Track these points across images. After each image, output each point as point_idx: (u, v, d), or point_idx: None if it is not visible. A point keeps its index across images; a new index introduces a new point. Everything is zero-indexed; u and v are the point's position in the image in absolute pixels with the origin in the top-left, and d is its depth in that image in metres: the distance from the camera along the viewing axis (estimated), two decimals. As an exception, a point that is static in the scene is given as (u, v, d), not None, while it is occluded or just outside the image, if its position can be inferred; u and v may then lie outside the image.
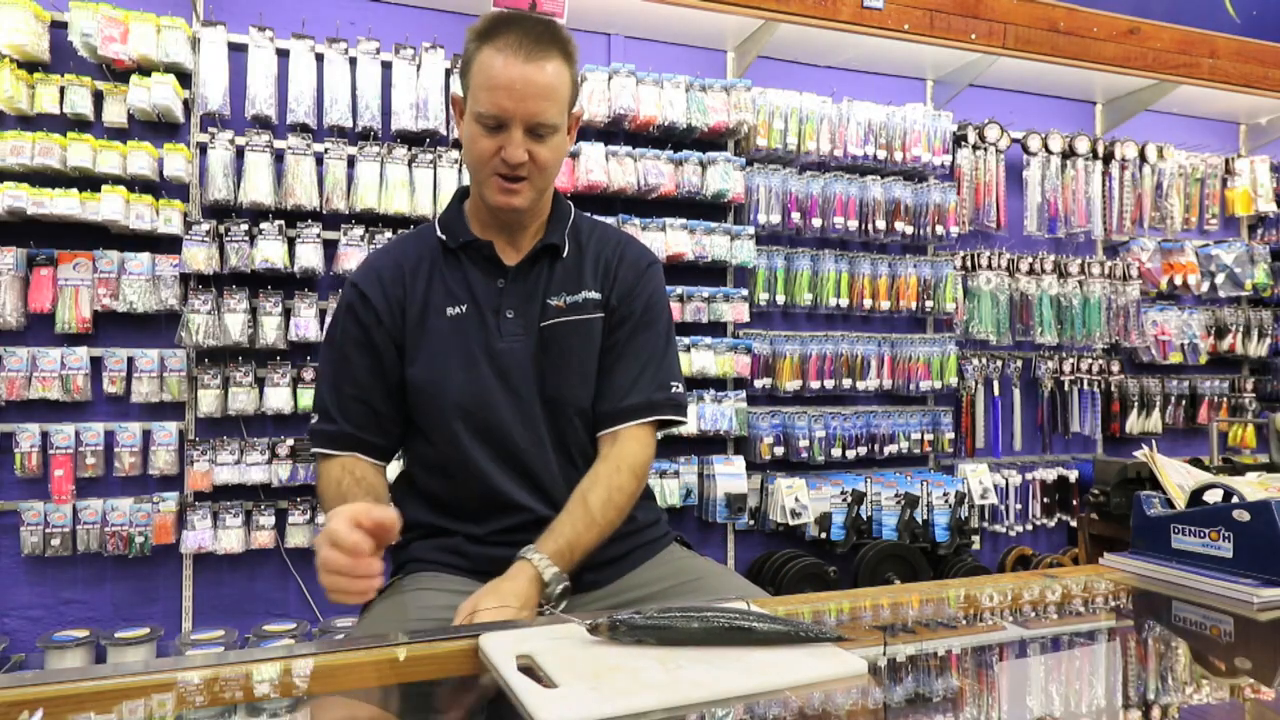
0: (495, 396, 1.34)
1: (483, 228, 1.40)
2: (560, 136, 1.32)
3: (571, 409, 1.38)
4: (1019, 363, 4.16)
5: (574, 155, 3.27)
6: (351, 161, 3.07)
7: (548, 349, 1.36)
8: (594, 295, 1.40)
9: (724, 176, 3.44)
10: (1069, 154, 4.19)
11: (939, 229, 3.81)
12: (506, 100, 1.24)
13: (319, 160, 3.05)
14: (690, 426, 3.41)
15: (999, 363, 4.10)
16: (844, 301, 3.72)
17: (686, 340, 3.41)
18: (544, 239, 1.40)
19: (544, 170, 1.31)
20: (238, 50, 3.02)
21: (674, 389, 1.42)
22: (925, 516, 3.67)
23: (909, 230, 3.79)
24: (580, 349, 1.38)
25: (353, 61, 3.10)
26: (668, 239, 3.36)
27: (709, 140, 3.59)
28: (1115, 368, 4.28)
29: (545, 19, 1.31)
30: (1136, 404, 4.30)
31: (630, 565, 1.40)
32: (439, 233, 1.41)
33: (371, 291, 1.38)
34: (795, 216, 3.62)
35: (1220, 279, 4.47)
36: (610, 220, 3.29)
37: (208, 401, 2.91)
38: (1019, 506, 4.07)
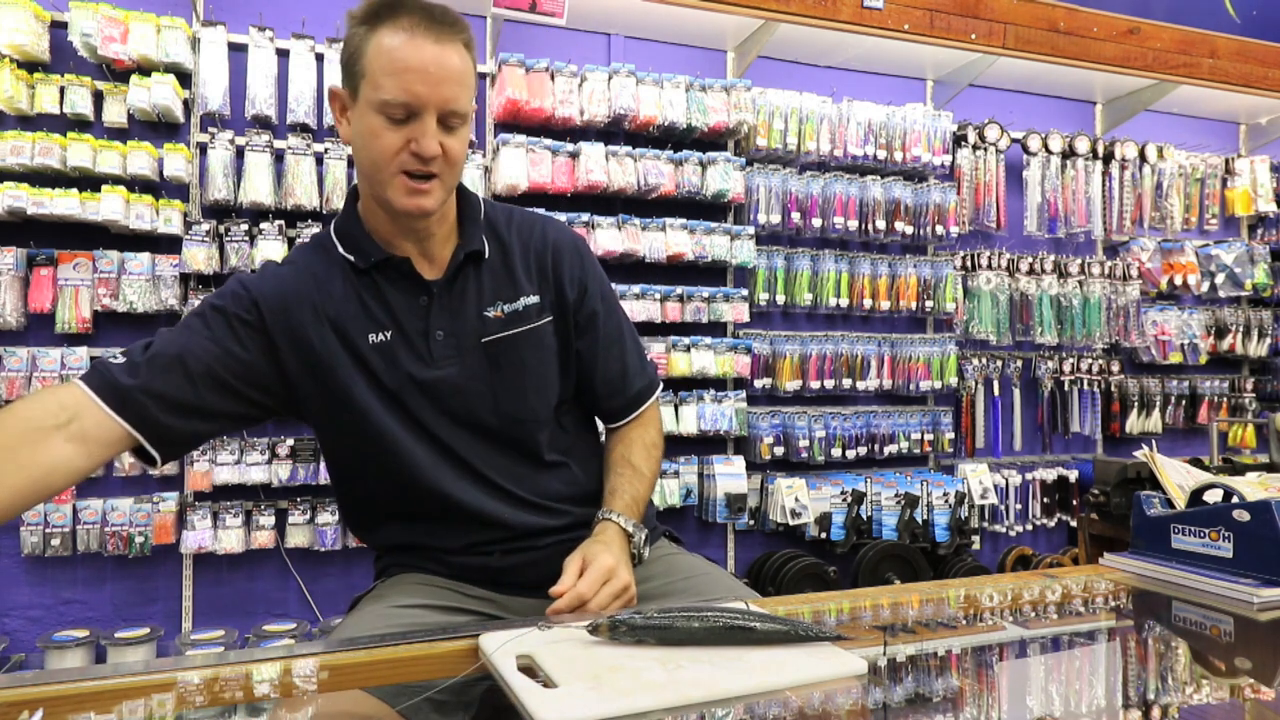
0: (439, 427, 1.25)
1: (389, 240, 1.24)
2: (468, 129, 1.21)
3: (530, 423, 1.30)
4: (1019, 363, 4.16)
5: (574, 155, 3.27)
6: (351, 162, 3.07)
7: (499, 366, 1.26)
8: (533, 300, 1.29)
9: (724, 176, 3.44)
10: (1069, 154, 4.19)
11: (939, 229, 3.81)
12: (420, 85, 1.11)
13: (319, 160, 3.05)
14: (690, 426, 3.42)
15: (999, 363, 4.10)
16: (844, 301, 3.72)
17: (686, 340, 3.41)
18: (462, 244, 1.27)
19: (454, 166, 1.18)
20: (238, 50, 3.01)
21: (652, 361, 1.47)
22: (925, 516, 3.67)
23: (909, 230, 3.79)
24: (533, 361, 1.29)
25: (353, 61, 3.09)
26: (668, 239, 3.36)
27: (709, 140, 3.59)
28: (1115, 368, 4.28)
29: (438, 2, 1.17)
30: (1136, 404, 4.30)
31: None
32: (341, 249, 1.25)
33: (267, 303, 1.20)
34: (795, 216, 3.62)
35: (1220, 279, 4.47)
36: (610, 220, 3.29)
37: (208, 401, 2.90)
38: (1019, 506, 4.06)
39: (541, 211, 1.47)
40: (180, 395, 1.15)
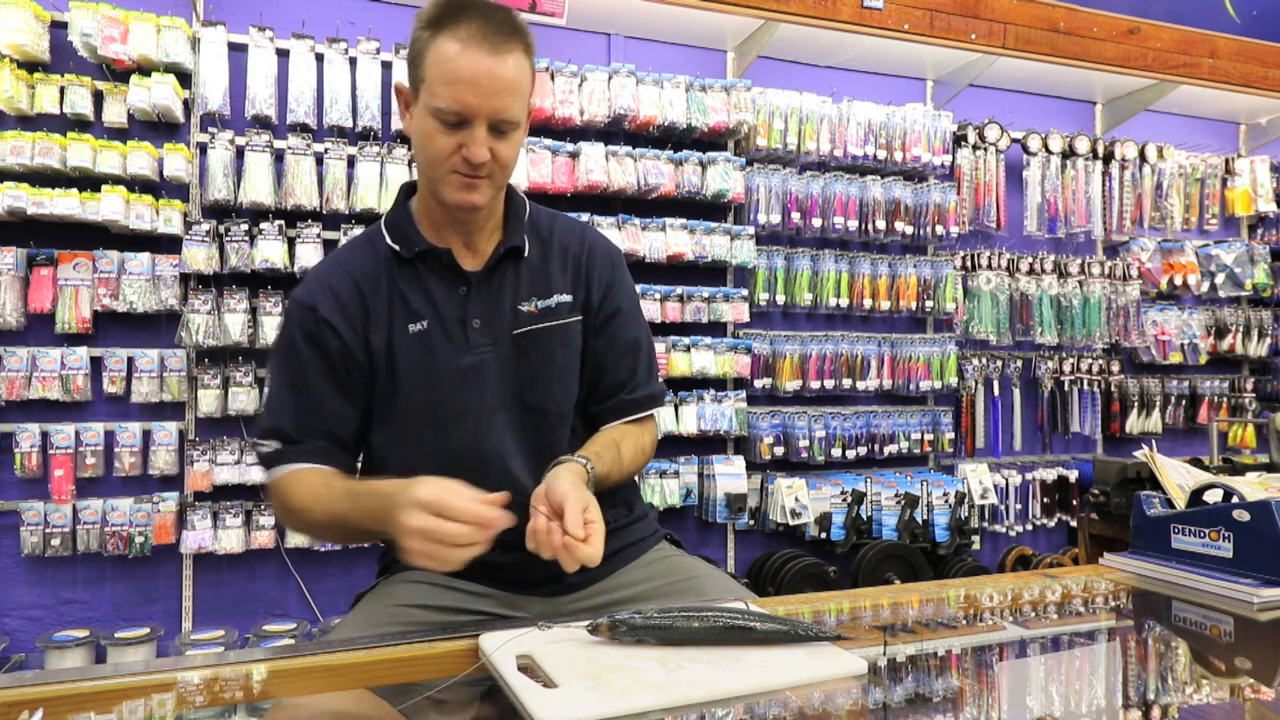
0: (466, 413, 1.28)
1: (436, 232, 1.31)
2: (521, 133, 1.25)
3: (553, 416, 1.34)
4: (1019, 363, 4.16)
5: (574, 155, 3.27)
6: (351, 161, 3.07)
7: (526, 356, 1.31)
8: (566, 298, 1.35)
9: (724, 176, 3.44)
10: (1069, 154, 4.19)
11: (939, 229, 3.81)
12: (471, 96, 1.15)
13: (319, 160, 3.04)
14: (690, 426, 3.41)
15: (999, 363, 4.10)
16: (844, 301, 3.72)
17: (686, 340, 3.41)
18: (504, 241, 1.32)
19: (505, 168, 1.24)
20: (238, 50, 3.01)
21: (660, 378, 1.46)
22: (925, 516, 3.67)
23: (909, 230, 3.79)
24: (560, 355, 1.34)
25: (353, 61, 3.10)
26: (668, 239, 3.36)
27: (709, 140, 3.59)
28: (1115, 368, 4.28)
29: (503, 7, 1.21)
30: (1136, 404, 4.30)
31: (619, 564, 1.38)
32: (389, 240, 1.32)
33: (330, 314, 1.28)
34: (795, 216, 3.62)
35: (1220, 279, 4.47)
36: (610, 220, 3.29)
37: (208, 401, 2.91)
38: (1019, 506, 4.06)
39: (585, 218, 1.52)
40: (340, 443, 1.29)
